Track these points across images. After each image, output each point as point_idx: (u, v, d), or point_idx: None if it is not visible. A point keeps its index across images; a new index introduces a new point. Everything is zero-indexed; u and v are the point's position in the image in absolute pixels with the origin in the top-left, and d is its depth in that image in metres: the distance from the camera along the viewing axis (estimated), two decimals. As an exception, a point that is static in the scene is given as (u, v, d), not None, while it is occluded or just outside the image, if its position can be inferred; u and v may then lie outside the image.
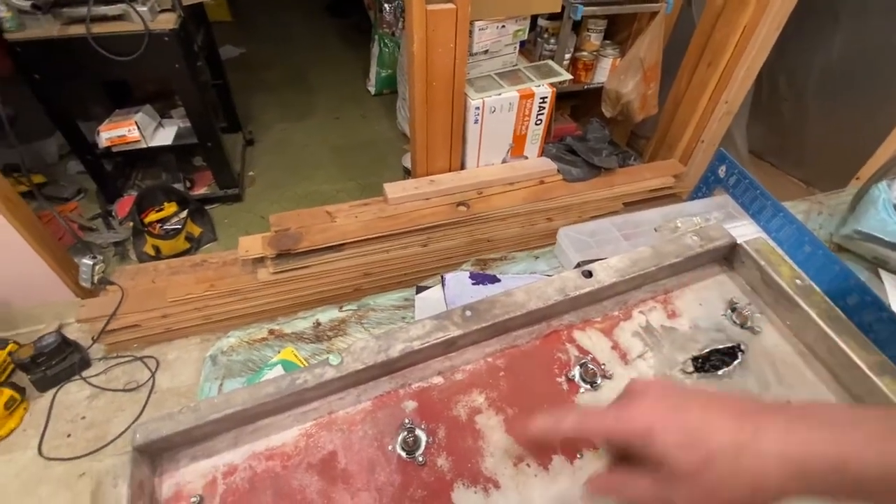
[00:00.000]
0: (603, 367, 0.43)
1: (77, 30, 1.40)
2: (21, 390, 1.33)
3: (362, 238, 1.43)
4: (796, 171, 2.16)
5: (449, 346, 0.43)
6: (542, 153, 1.70)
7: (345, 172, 2.24)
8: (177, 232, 1.75)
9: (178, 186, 1.94)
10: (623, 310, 0.48)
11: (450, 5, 1.23)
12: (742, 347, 0.44)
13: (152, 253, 1.74)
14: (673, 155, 1.91)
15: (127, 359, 1.46)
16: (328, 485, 0.36)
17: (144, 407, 1.36)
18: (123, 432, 1.30)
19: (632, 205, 1.77)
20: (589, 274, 0.46)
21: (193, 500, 0.35)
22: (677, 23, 1.83)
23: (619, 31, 1.87)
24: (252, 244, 1.39)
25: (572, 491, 0.36)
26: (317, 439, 0.39)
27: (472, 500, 0.36)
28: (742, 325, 0.46)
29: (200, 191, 2.02)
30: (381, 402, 0.41)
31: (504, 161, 1.66)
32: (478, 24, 1.39)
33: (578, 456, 0.38)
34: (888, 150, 1.25)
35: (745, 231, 0.69)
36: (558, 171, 1.67)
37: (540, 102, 1.52)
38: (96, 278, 1.45)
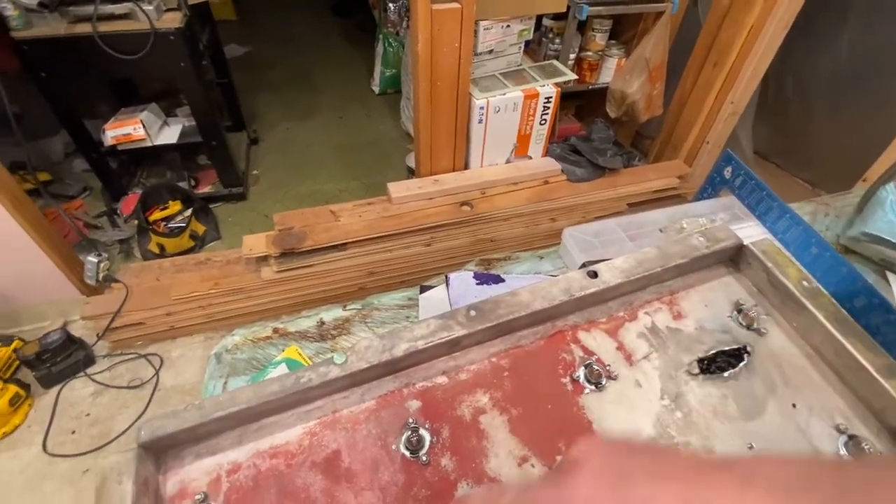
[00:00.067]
0: (608, 367, 0.43)
1: (83, 28, 1.41)
2: (26, 387, 1.34)
3: (366, 237, 1.43)
4: (802, 173, 2.14)
5: (453, 346, 0.43)
6: (547, 153, 1.69)
7: (348, 172, 2.25)
8: (181, 230, 1.76)
9: (183, 185, 1.94)
10: (628, 310, 0.48)
11: (455, 5, 1.23)
12: (748, 349, 0.44)
13: (157, 251, 1.75)
14: (678, 155, 1.90)
15: (131, 356, 1.47)
16: (332, 483, 0.36)
17: (148, 404, 1.37)
18: (127, 429, 1.31)
19: (636, 205, 1.76)
20: (594, 274, 0.46)
21: (198, 497, 0.35)
22: (683, 23, 1.82)
23: (625, 31, 1.87)
24: (256, 243, 1.39)
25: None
26: (321, 438, 0.39)
27: (475, 500, 0.36)
28: (748, 327, 0.46)
29: (205, 189, 2.03)
30: (385, 402, 0.41)
31: (508, 161, 1.66)
32: (483, 23, 1.39)
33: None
34: (895, 151, 1.24)
35: (751, 232, 0.69)
36: (562, 171, 1.67)
37: (544, 102, 1.52)
38: (101, 276, 1.46)
